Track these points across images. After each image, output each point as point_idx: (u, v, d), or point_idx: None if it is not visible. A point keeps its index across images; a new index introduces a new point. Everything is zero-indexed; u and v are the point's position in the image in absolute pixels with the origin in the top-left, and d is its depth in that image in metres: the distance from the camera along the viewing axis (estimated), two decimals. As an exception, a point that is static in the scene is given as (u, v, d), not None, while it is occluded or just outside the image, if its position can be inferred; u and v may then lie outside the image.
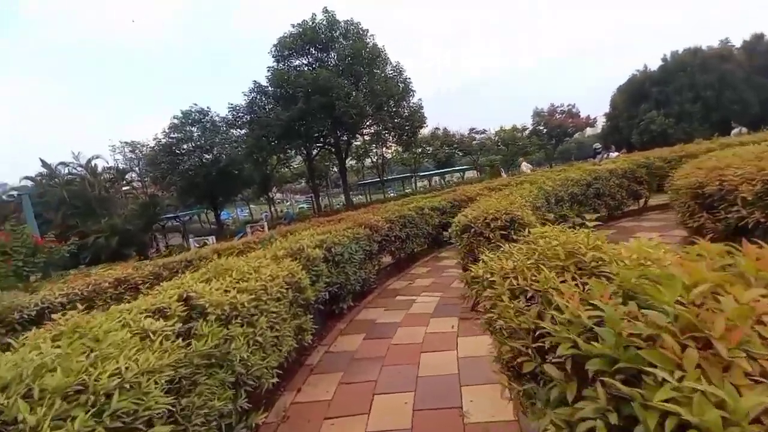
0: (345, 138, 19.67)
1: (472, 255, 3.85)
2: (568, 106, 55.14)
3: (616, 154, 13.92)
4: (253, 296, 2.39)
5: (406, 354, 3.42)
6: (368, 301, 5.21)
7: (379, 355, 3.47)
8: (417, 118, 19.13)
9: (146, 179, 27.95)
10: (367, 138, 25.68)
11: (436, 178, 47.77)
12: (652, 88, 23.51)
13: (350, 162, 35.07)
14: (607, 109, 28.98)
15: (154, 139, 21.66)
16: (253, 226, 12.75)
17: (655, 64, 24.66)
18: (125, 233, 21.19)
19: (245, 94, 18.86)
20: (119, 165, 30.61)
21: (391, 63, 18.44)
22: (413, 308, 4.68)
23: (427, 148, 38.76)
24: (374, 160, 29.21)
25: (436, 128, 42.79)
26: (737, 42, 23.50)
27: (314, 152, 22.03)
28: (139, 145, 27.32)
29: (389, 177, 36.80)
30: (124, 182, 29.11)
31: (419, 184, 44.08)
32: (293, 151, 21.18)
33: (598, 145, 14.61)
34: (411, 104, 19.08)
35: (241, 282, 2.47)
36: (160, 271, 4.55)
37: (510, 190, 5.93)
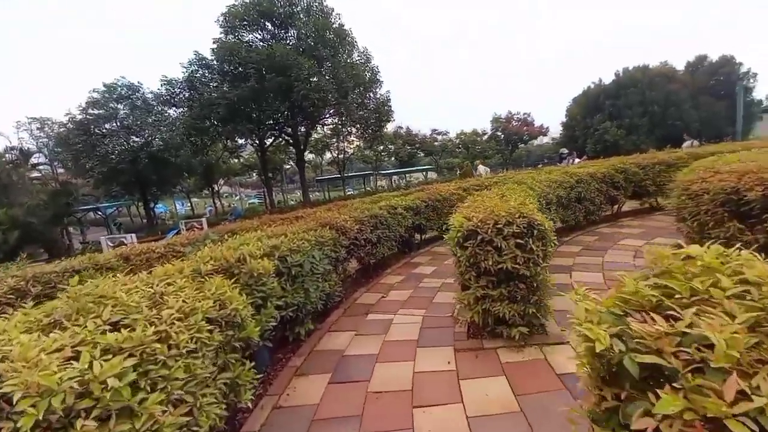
0: (304, 128, 17.99)
1: (476, 269, 3.02)
2: (524, 114, 58.54)
3: (578, 160, 14.30)
4: (137, 358, 1.31)
5: (390, 410, 2.49)
6: (332, 321, 4.20)
7: (353, 412, 2.50)
8: (384, 111, 17.87)
9: (56, 163, 23.81)
10: (328, 130, 24.17)
11: (396, 177, 47.62)
12: (606, 100, 25.10)
13: (308, 156, 33.35)
14: (561, 118, 30.57)
15: (67, 114, 18.18)
16: (189, 222, 10.93)
17: (609, 78, 26.44)
18: (27, 227, 17.76)
19: (184, 67, 15.99)
20: (24, 145, 25.93)
21: (358, 48, 16.94)
22: (392, 332, 3.77)
23: (389, 146, 38.25)
24: (335, 154, 27.61)
25: (399, 127, 42.57)
26: (681, 61, 25.89)
27: (268, 142, 20.04)
28: (49, 122, 23.05)
29: (349, 174, 35.58)
30: (30, 166, 24.65)
31: (380, 182, 43.50)
32: (244, 140, 19.01)
33: (564, 150, 14.98)
34: (378, 95, 17.85)
35: (120, 329, 1.38)
36: (26, 287, 3.15)
37: (499, 190, 5.27)
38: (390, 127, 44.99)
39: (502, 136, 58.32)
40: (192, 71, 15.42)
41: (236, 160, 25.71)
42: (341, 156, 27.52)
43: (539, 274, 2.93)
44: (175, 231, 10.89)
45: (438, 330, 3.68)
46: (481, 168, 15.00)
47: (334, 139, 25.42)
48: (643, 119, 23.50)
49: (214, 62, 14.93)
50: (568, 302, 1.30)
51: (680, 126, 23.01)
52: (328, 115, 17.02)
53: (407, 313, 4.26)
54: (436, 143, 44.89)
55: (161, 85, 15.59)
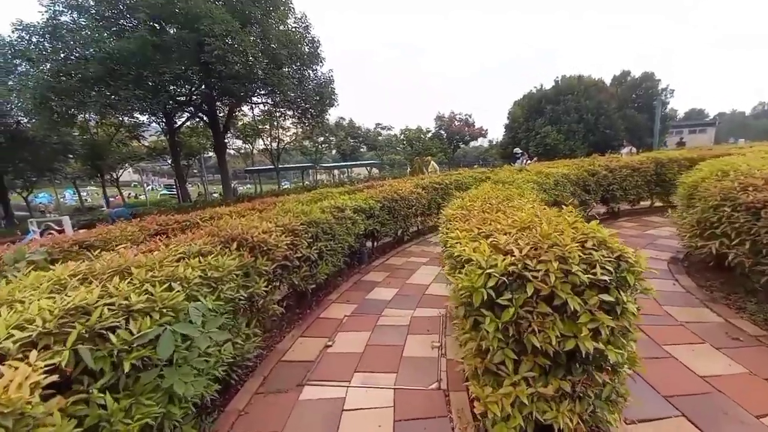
0: (226, 106, 15.01)
1: (518, 346, 1.64)
2: (466, 115, 60.92)
3: (529, 161, 14.22)
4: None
5: None
6: (231, 424, 2.52)
7: None
8: (326, 93, 15.37)
9: None
10: (258, 114, 21.17)
11: (337, 171, 45.64)
12: (547, 105, 26.39)
13: (237, 142, 29.58)
14: (498, 123, 31.66)
15: None
16: (45, 223, 7.90)
17: (549, 84, 27.92)
18: None
19: (44, 6, 11.46)
20: None
21: (294, 14, 13.86)
22: (345, 436, 2.25)
23: (331, 137, 36.20)
24: (267, 143, 24.53)
25: (341, 118, 40.71)
26: (608, 75, 28.40)
27: (181, 122, 16.58)
28: None
29: (286, 165, 32.57)
30: None
31: (320, 176, 41.13)
32: (146, 116, 15.32)
33: (518, 150, 14.83)
34: (320, 75, 15.37)
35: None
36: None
37: (497, 191, 4.04)
38: (332, 118, 42.93)
39: (445, 135, 59.99)
40: (55, 12, 11.50)
41: (138, 142, 21.13)
42: (275, 144, 24.48)
43: (625, 350, 1.65)
44: (31, 235, 7.84)
45: (426, 423, 2.26)
46: (433, 164, 14.14)
47: (268, 126, 22.42)
48: (579, 125, 25.13)
49: (90, 2, 11.13)
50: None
51: (610, 134, 25.09)
52: (257, 94, 14.37)
53: (367, 380, 2.78)
54: (380, 138, 44.00)
55: (12, 32, 11.28)
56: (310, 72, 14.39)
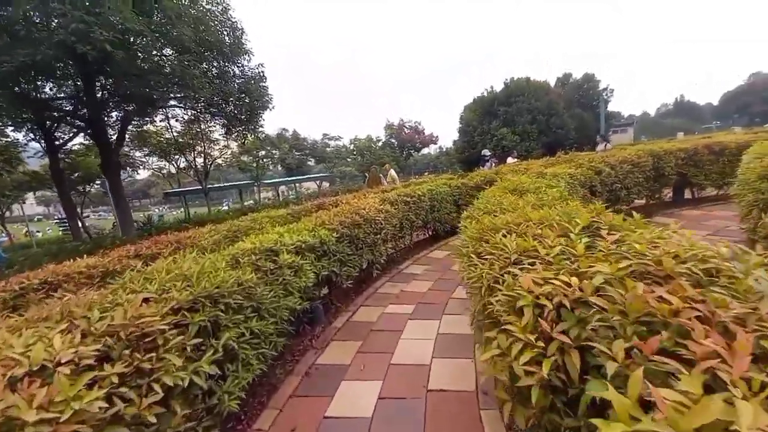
0: (116, 112, 11.74)
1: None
2: (415, 122, 61.27)
3: (491, 163, 13.17)
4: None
5: None
6: None
7: None
8: (256, 92, 12.51)
9: None
10: (178, 124, 17.92)
11: (284, 187, 42.55)
12: (500, 107, 26.41)
13: (158, 162, 25.44)
14: (448, 130, 31.50)
15: None
16: None
17: (499, 86, 28.18)
18: None
19: None
20: None
21: None
22: None
23: (273, 151, 33.36)
24: (191, 159, 20.60)
25: (284, 129, 38.07)
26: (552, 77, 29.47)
27: (66, 139, 12.96)
28: None
29: (218, 185, 29.03)
30: None
31: (265, 194, 37.85)
32: (21, 132, 11.67)
33: (486, 152, 13.72)
34: (247, 70, 12.56)
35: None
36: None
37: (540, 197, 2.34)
38: (272, 129, 39.83)
39: (396, 143, 59.63)
40: None
41: (21, 166, 16.54)
42: (203, 161, 20.69)
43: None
44: None
45: None
46: (392, 173, 12.50)
47: (192, 139, 19.10)
48: (533, 126, 25.35)
49: None
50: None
51: (562, 133, 25.60)
52: (167, 98, 11.38)
53: None
54: (328, 149, 41.92)
55: None
56: (235, 68, 11.94)
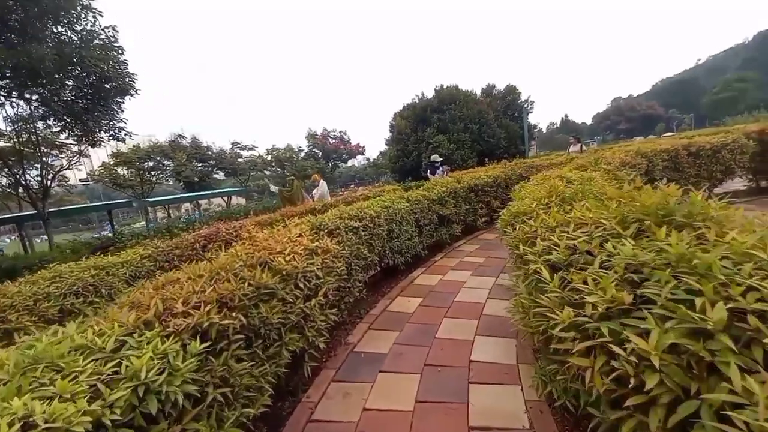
0: None
1: None
2: (341, 132, 59.08)
3: (442, 171, 11.48)
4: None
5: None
6: None
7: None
8: (109, 67, 8.63)
9: None
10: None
11: (188, 204, 36.39)
12: (433, 114, 25.56)
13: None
14: (373, 138, 30.05)
15: None
16: None
17: (429, 93, 27.48)
18: None
19: None
20: None
21: None
22: None
23: (164, 161, 27.83)
24: (18, 173, 13.27)
25: (179, 135, 32.45)
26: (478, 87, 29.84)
27: None
28: None
29: (76, 206, 22.66)
30: None
31: (160, 214, 31.58)
32: None
33: (437, 158, 11.76)
34: (85, 32, 8.45)
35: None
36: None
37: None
38: (162, 138, 33.55)
39: (320, 153, 56.43)
40: None
41: None
42: (42, 174, 13.59)
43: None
44: None
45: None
46: (323, 186, 9.84)
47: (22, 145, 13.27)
48: (466, 135, 24.92)
49: None
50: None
51: (493, 142, 25.67)
52: None
53: None
54: (240, 160, 37.09)
55: None
56: (71, 34, 7.80)
